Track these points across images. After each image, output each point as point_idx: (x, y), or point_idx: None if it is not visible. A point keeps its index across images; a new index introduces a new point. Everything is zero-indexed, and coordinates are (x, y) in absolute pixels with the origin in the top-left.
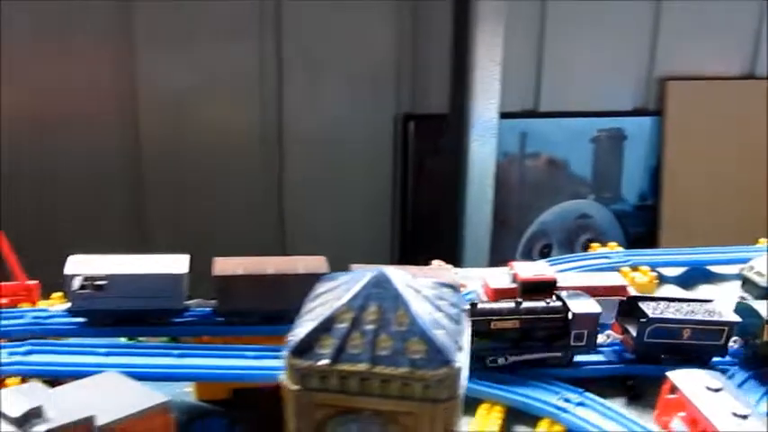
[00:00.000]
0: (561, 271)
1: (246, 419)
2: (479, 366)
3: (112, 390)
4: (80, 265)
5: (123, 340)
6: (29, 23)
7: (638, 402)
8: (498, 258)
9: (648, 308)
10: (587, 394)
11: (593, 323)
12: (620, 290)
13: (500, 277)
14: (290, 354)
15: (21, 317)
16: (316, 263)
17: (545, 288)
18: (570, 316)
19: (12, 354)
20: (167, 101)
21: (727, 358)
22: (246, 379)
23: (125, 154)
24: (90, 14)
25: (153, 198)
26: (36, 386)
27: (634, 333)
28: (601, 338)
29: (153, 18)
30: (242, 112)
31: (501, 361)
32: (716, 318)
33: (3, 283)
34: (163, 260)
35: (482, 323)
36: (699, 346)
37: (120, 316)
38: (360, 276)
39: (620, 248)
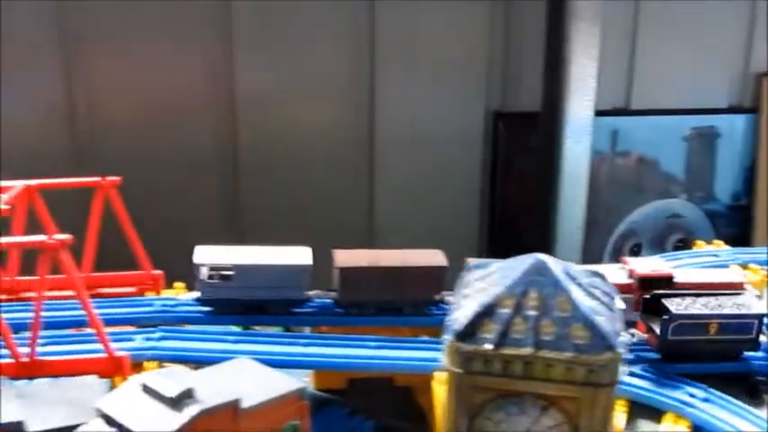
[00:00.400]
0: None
1: (365, 409)
2: None
3: (249, 375)
4: (208, 256)
5: (234, 328)
6: (132, 25)
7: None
8: (587, 257)
9: (672, 304)
10: (712, 390)
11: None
12: (738, 285)
13: (615, 273)
14: (454, 338)
15: (150, 305)
16: (435, 256)
17: (662, 284)
18: None
19: (147, 339)
20: (263, 100)
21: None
22: (369, 368)
23: (222, 151)
24: (191, 15)
25: (249, 195)
26: (181, 370)
27: (658, 331)
28: (626, 337)
29: (250, 18)
30: (335, 110)
31: None
32: (744, 311)
33: (130, 273)
34: (287, 252)
35: None
36: (727, 341)
37: (245, 305)
38: (516, 264)
39: (727, 247)
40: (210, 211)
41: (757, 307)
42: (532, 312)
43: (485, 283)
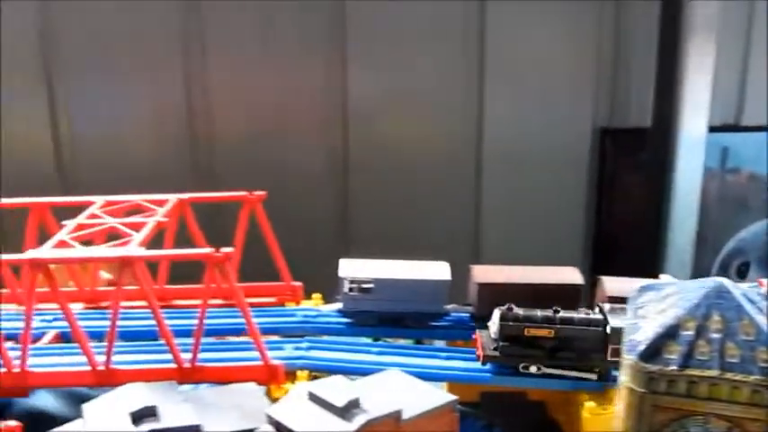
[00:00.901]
0: None
1: (500, 422)
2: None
3: (402, 387)
4: (350, 269)
5: (366, 340)
6: (244, 37)
7: None
8: (695, 275)
9: None
10: None
11: None
12: None
13: None
14: (638, 358)
15: (292, 315)
16: (572, 274)
17: None
18: (609, 330)
19: (296, 348)
20: (371, 111)
21: None
22: (508, 384)
23: (332, 164)
24: (304, 24)
25: (357, 206)
26: (341, 380)
27: None
28: None
29: (363, 30)
30: (443, 125)
31: (533, 369)
32: None
33: (272, 284)
34: (425, 266)
35: (516, 328)
36: None
37: (384, 317)
38: (694, 287)
39: None
40: (323, 226)
41: None
42: (716, 335)
43: (663, 305)
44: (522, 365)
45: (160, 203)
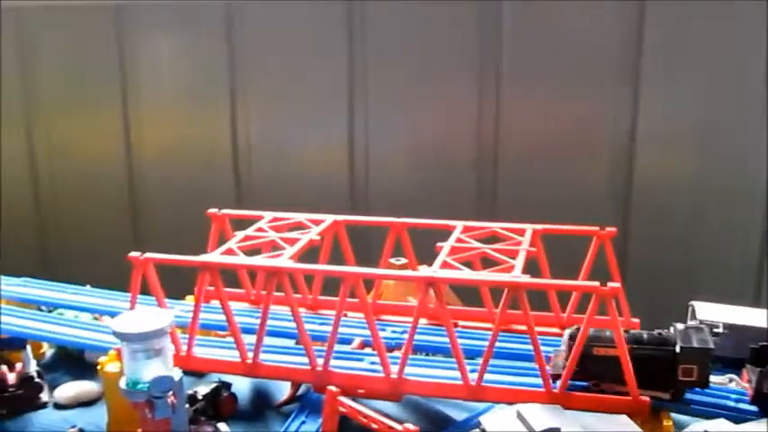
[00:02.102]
0: None
1: None
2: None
3: None
4: (704, 312)
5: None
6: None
7: None
8: None
9: None
10: None
11: (703, 358)
12: None
13: None
14: None
15: None
16: None
17: None
18: (678, 349)
19: None
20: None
21: None
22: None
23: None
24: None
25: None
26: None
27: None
28: (721, 381)
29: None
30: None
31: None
32: None
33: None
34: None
35: (586, 347)
36: None
37: (728, 362)
38: None
39: None
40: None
41: None
42: None
43: None
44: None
45: (318, 223)
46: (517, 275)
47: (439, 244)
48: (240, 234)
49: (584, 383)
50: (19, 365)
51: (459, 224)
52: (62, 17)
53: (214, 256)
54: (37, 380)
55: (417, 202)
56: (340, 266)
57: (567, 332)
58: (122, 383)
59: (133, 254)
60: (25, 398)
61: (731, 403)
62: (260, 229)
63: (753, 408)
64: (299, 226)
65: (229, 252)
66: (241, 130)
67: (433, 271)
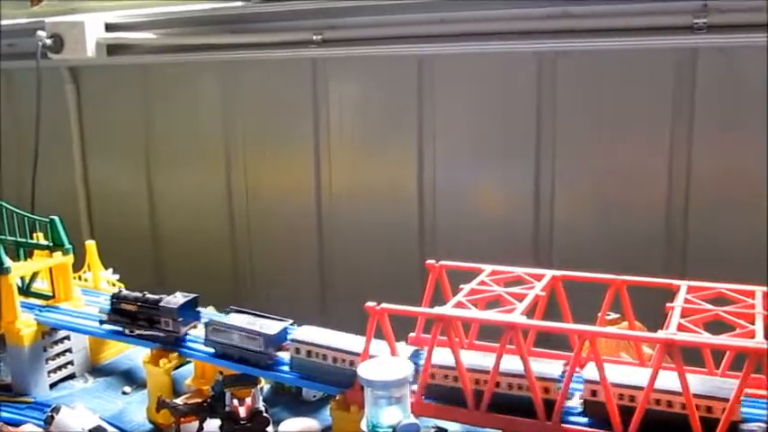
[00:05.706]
0: None
1: None
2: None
3: None
4: None
5: None
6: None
7: None
8: None
9: None
10: None
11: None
12: None
13: None
14: None
15: None
16: None
17: None
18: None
19: None
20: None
21: None
22: None
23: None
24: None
25: None
26: None
27: None
28: None
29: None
30: None
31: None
32: None
33: None
34: None
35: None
36: None
37: None
38: None
39: None
40: None
41: None
42: None
43: None
44: None
45: (537, 277)
46: (761, 342)
47: (669, 304)
48: (466, 287)
49: None
50: (249, 400)
51: (683, 284)
52: (260, 66)
53: (449, 309)
54: (265, 414)
55: (599, 255)
56: (574, 324)
57: None
58: (363, 425)
59: (370, 304)
60: (254, 431)
61: None
62: (483, 282)
63: None
64: (518, 280)
65: (459, 305)
66: (427, 172)
67: (672, 333)
